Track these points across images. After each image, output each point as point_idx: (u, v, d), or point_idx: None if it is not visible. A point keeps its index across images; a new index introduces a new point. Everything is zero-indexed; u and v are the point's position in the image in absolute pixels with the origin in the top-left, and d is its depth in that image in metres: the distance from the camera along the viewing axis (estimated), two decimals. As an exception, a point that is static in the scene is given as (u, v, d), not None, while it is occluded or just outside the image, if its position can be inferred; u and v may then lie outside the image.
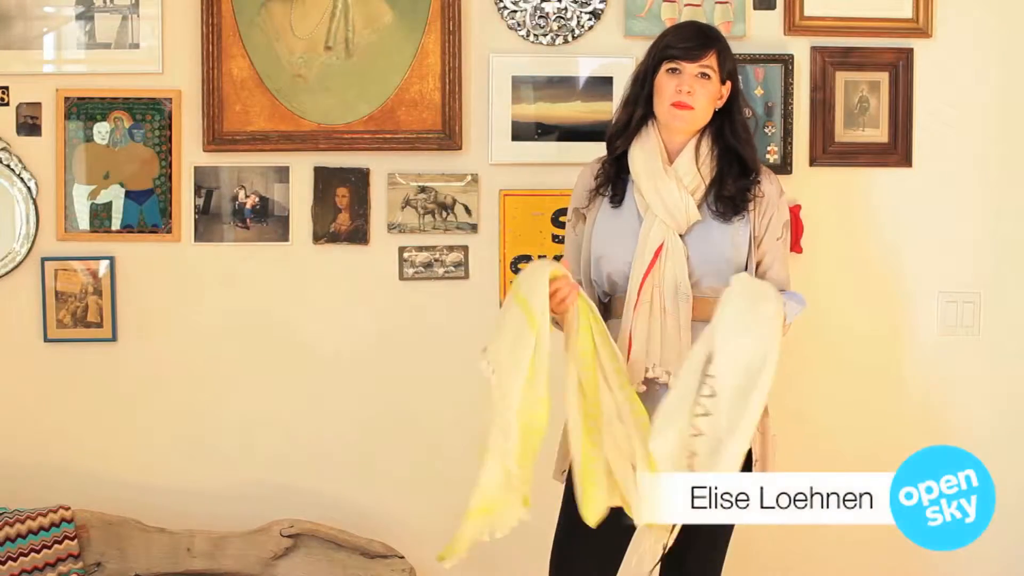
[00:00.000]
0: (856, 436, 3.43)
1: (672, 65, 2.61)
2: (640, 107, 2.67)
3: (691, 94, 2.60)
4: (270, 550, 3.18)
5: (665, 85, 2.62)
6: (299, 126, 3.31)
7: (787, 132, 3.37)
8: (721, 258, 2.63)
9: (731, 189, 2.64)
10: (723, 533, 2.69)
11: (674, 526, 2.48)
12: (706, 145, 2.66)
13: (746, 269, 2.66)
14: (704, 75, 2.61)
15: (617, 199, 2.68)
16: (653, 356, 2.57)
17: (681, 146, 2.66)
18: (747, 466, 2.59)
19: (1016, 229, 3.45)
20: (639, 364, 2.58)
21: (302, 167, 3.33)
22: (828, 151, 3.40)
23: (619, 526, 2.48)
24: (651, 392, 2.58)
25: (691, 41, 2.62)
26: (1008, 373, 3.46)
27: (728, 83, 2.67)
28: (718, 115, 2.67)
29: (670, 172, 2.62)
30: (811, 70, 3.37)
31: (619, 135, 2.70)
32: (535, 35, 3.35)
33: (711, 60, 2.61)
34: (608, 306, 2.71)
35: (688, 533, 2.66)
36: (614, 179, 2.69)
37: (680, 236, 2.61)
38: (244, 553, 3.19)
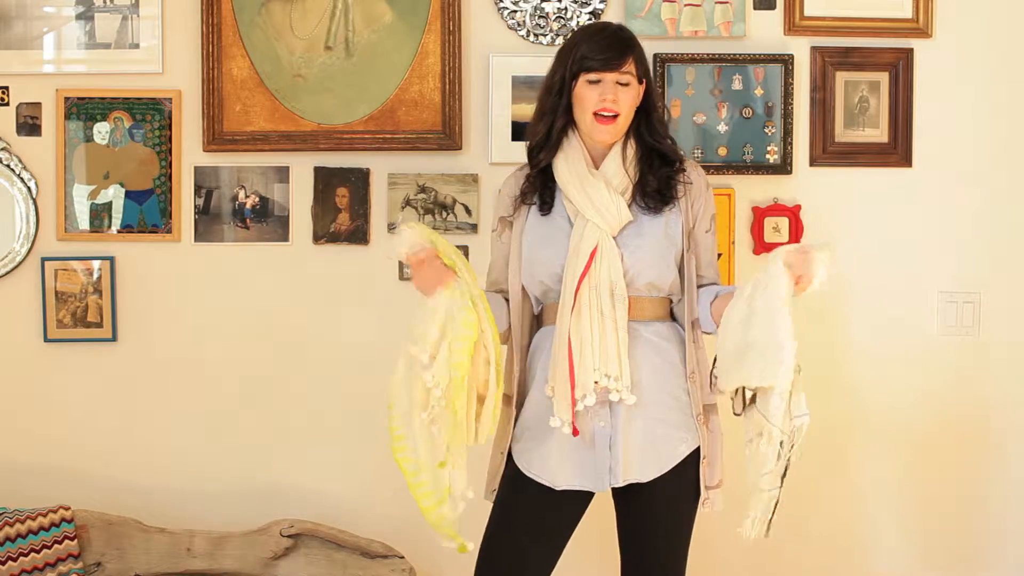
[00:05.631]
0: (855, 437, 3.43)
1: (592, 77, 2.56)
2: (560, 117, 2.61)
3: (615, 102, 2.55)
4: (270, 550, 3.18)
5: (586, 96, 2.56)
6: (299, 126, 3.31)
7: (787, 132, 3.37)
8: (656, 253, 2.58)
9: (655, 183, 2.61)
10: (683, 536, 2.65)
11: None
12: (631, 148, 2.63)
13: (681, 262, 2.63)
14: (624, 83, 2.57)
15: (547, 207, 2.64)
16: (596, 361, 2.52)
17: (605, 150, 2.62)
18: (695, 463, 2.59)
19: (1016, 229, 3.44)
20: (585, 371, 2.51)
21: (302, 167, 3.34)
22: (828, 151, 3.40)
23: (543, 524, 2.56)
24: (601, 401, 2.54)
25: (610, 51, 2.56)
26: (1008, 373, 3.46)
27: (644, 80, 2.63)
28: (636, 113, 2.63)
29: (597, 175, 2.59)
30: (811, 70, 3.38)
31: (541, 148, 2.64)
32: (535, 35, 3.35)
33: (630, 67, 2.57)
34: (540, 316, 2.69)
35: (648, 536, 2.64)
36: (541, 188, 2.65)
37: (613, 238, 2.57)
38: (244, 553, 3.19)
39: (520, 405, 2.65)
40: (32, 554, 3.09)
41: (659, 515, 2.60)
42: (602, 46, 2.57)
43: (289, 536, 3.18)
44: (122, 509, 3.25)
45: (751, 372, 2.44)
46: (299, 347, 3.36)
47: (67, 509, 3.16)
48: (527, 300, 2.69)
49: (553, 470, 2.57)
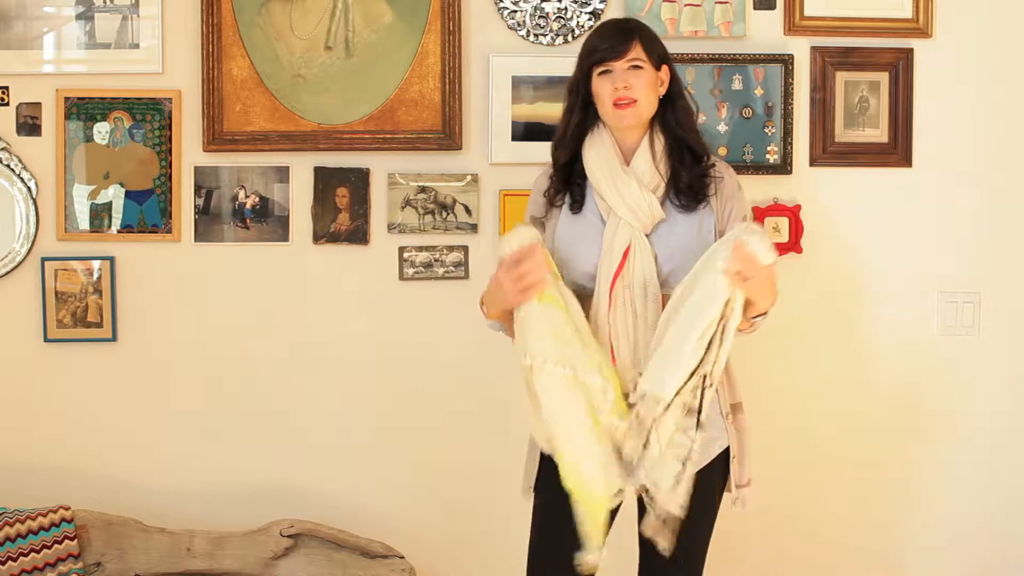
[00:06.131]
0: (855, 437, 3.43)
1: (602, 68, 2.59)
2: (576, 115, 2.64)
3: (628, 88, 2.57)
4: (270, 550, 3.18)
5: (601, 89, 2.59)
6: (299, 126, 3.31)
7: (787, 132, 3.37)
8: (689, 252, 2.56)
9: (687, 179, 2.61)
10: (703, 536, 2.63)
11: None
12: (659, 141, 2.63)
13: None
14: (635, 67, 2.58)
15: (577, 205, 2.65)
16: (638, 362, 2.51)
17: (635, 144, 2.63)
18: (725, 462, 2.59)
19: (1016, 229, 3.45)
20: (627, 371, 2.51)
21: (302, 167, 3.34)
22: (828, 151, 3.40)
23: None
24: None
25: (612, 39, 2.59)
26: (1008, 373, 3.46)
27: (665, 67, 2.64)
28: (662, 103, 2.64)
29: (629, 172, 2.59)
30: (811, 70, 3.38)
31: (558, 146, 2.68)
32: (535, 35, 3.35)
33: (637, 51, 2.58)
34: None
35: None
36: (571, 186, 2.66)
37: (646, 236, 2.58)
38: (244, 553, 3.19)
39: None
40: (32, 554, 3.08)
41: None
42: (605, 36, 2.62)
43: (289, 536, 3.18)
44: (122, 509, 3.25)
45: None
46: (299, 347, 3.36)
47: (67, 509, 3.16)
48: None
49: None
